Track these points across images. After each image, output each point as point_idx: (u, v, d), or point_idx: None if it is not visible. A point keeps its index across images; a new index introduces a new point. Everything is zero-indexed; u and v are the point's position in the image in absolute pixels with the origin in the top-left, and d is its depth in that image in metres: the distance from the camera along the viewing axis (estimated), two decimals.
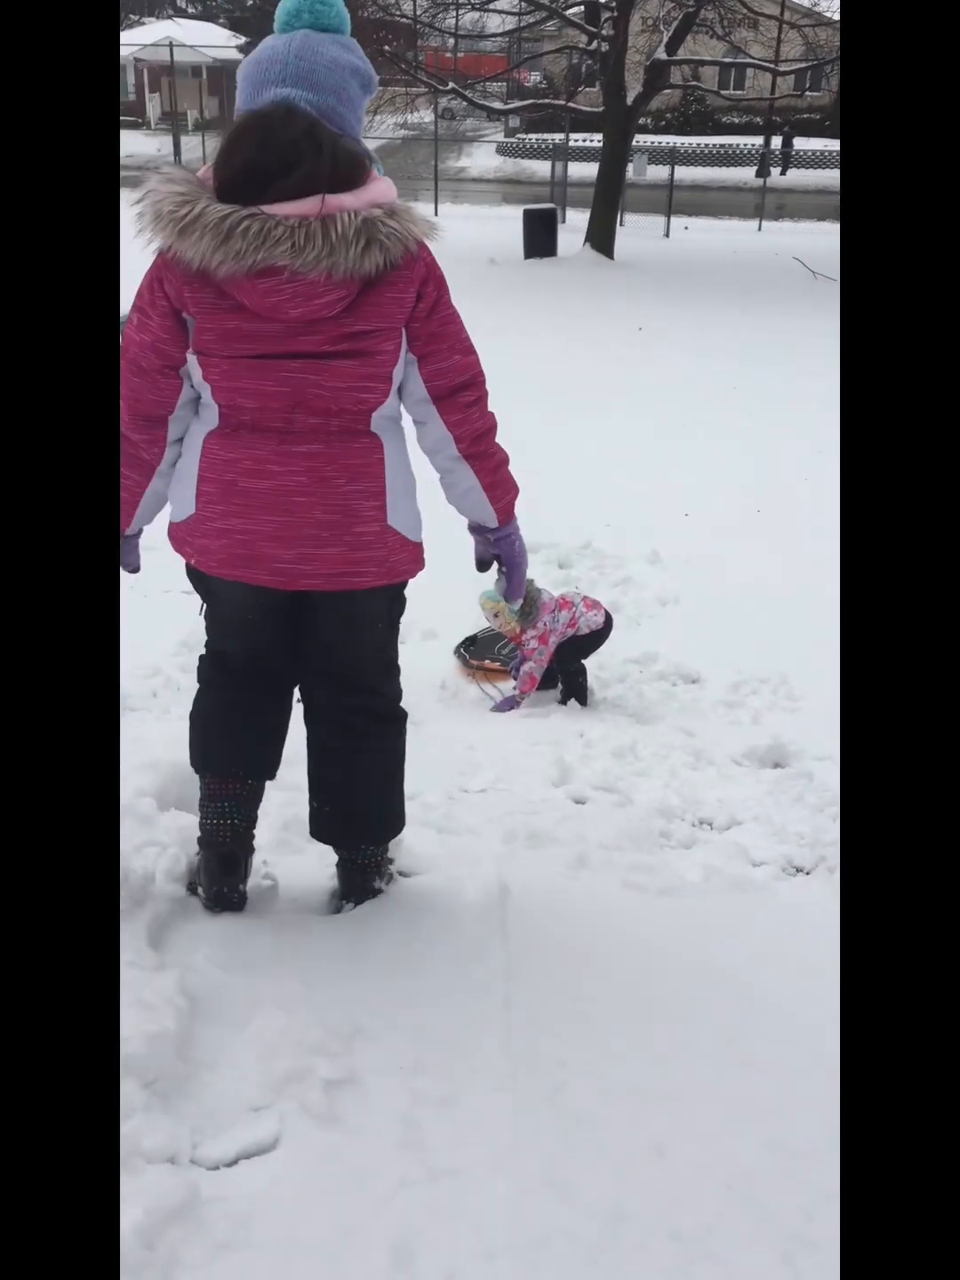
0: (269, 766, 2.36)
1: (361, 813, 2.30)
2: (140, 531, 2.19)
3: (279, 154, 1.80)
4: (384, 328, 1.90)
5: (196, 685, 2.36)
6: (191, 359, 1.93)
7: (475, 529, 2.17)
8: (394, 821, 2.36)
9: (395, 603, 2.19)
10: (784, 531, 6.52)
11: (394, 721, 2.31)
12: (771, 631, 5.12)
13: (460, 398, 2.01)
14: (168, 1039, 1.84)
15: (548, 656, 4.33)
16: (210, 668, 2.32)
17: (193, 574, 2.15)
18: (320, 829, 2.34)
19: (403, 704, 2.34)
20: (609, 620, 4.52)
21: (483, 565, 2.22)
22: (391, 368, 1.95)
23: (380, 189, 1.89)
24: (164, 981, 1.93)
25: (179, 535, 2.08)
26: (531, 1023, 2.03)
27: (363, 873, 2.35)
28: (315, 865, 2.47)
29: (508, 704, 4.40)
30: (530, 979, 2.13)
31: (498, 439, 2.10)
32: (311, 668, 2.24)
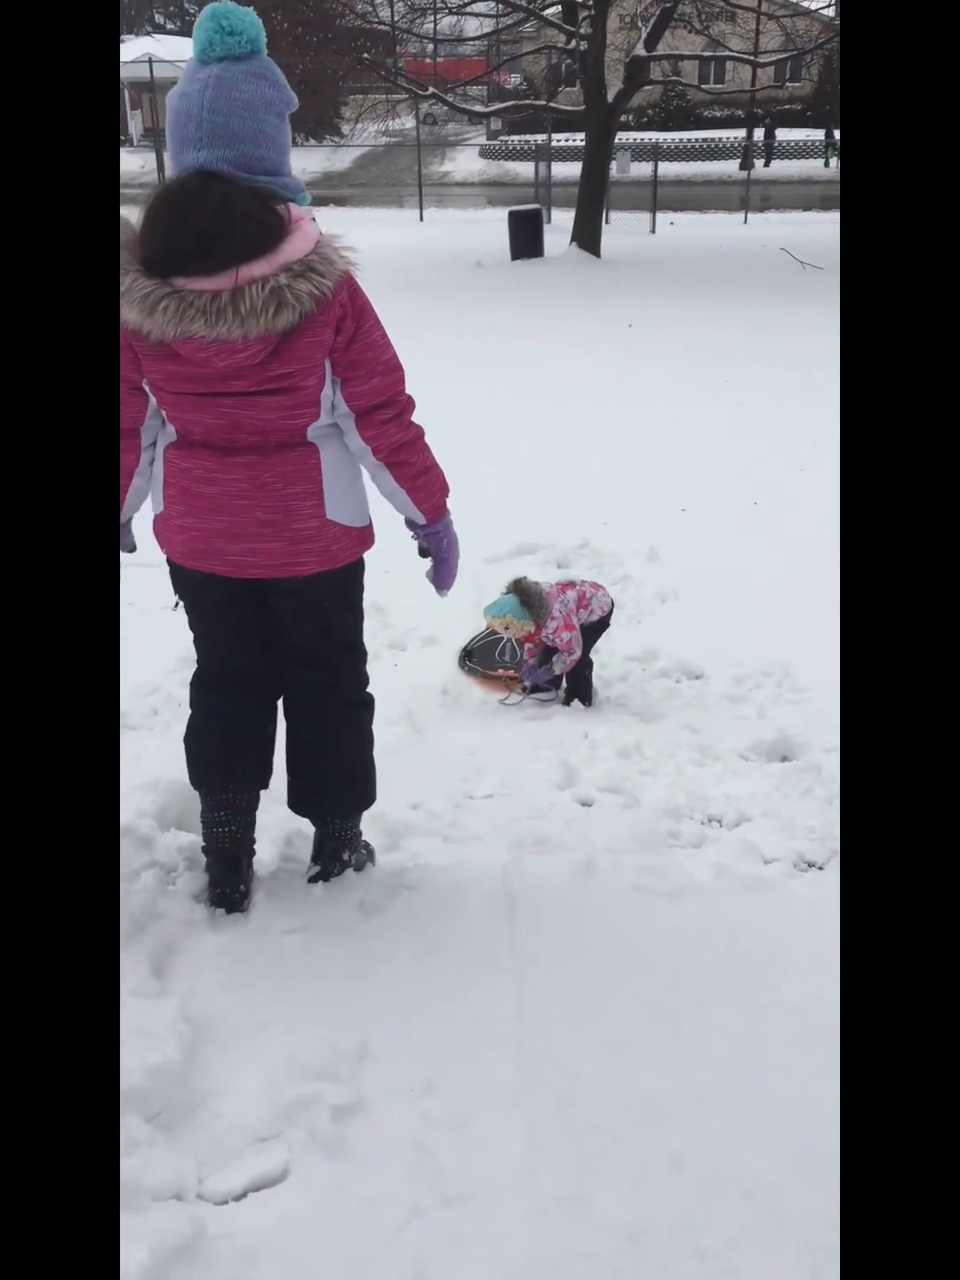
0: (259, 778, 2.56)
1: (331, 791, 2.55)
2: (130, 519, 2.44)
3: (193, 238, 1.96)
4: (305, 367, 2.10)
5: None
6: (147, 387, 2.19)
7: (408, 524, 2.41)
8: (362, 798, 2.59)
9: (345, 585, 2.40)
10: (781, 523, 6.46)
11: (358, 706, 2.55)
12: (773, 624, 5.07)
13: (377, 416, 2.20)
14: (171, 1069, 1.80)
15: (580, 640, 4.25)
16: (195, 681, 2.57)
17: (170, 568, 2.40)
18: (295, 803, 2.59)
19: (369, 690, 2.57)
20: (612, 601, 4.49)
21: (423, 553, 2.44)
22: (318, 394, 2.16)
23: (295, 246, 2.03)
24: (165, 1008, 1.89)
25: (156, 527, 2.35)
26: (542, 1035, 1.98)
27: (334, 844, 2.58)
28: (310, 891, 2.43)
29: (544, 673, 4.31)
30: (540, 990, 2.08)
31: (421, 447, 2.29)
32: (282, 655, 2.47)
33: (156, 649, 4.58)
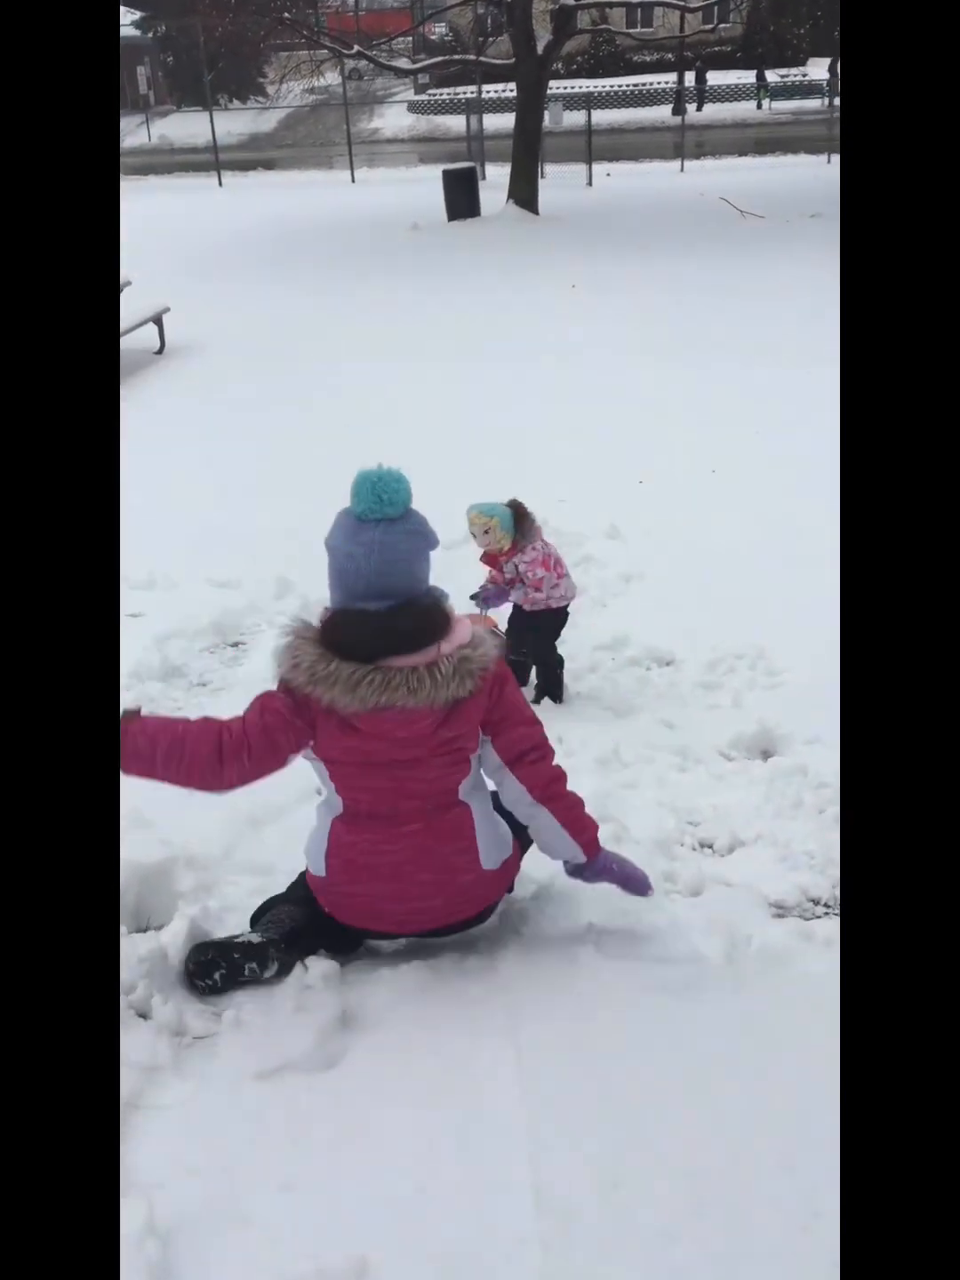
0: None
1: None
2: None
3: (397, 639, 2.31)
4: (467, 731, 2.42)
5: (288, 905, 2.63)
6: (319, 763, 2.44)
7: (572, 871, 2.57)
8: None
9: (496, 905, 2.66)
10: (741, 489, 6.35)
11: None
12: (741, 600, 4.96)
13: (527, 758, 2.47)
14: None
15: (550, 584, 4.07)
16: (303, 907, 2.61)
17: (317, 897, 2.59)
18: None
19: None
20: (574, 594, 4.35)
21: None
22: (471, 754, 2.46)
23: (461, 632, 2.40)
24: (133, 1217, 1.62)
25: (316, 885, 2.55)
26: (568, 1230, 1.71)
27: None
28: (284, 1003, 2.24)
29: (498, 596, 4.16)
30: (559, 1157, 1.81)
31: (566, 783, 2.52)
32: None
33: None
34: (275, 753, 2.36)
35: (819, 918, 2.73)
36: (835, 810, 3.08)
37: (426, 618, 2.35)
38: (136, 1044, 1.99)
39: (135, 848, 2.40)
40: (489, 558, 4.14)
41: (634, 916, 2.45)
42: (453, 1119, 1.87)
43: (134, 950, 2.20)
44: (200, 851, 2.78)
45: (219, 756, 2.32)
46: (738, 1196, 1.75)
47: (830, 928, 2.53)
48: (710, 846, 3.09)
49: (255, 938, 2.40)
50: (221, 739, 2.33)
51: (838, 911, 2.74)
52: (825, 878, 2.83)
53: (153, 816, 2.72)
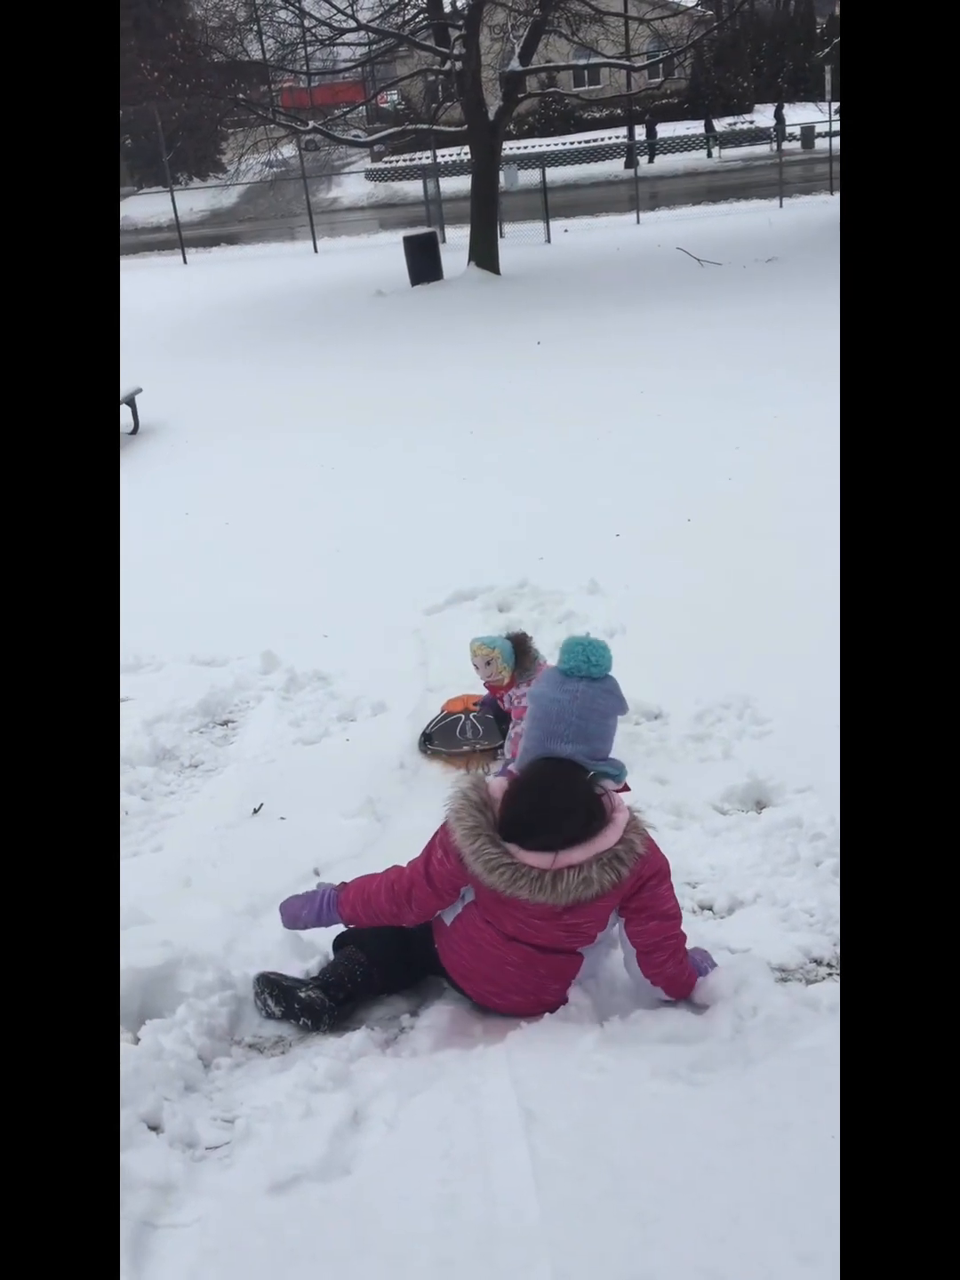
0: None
1: None
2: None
3: (538, 817, 2.55)
4: (593, 920, 2.61)
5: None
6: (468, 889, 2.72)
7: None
8: None
9: None
10: (717, 538, 6.40)
11: None
12: (724, 649, 4.99)
13: (654, 956, 2.64)
14: None
15: None
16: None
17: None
18: None
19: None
20: None
21: None
22: (596, 933, 2.64)
23: (608, 836, 2.54)
24: None
25: (441, 929, 2.80)
26: None
27: None
28: (292, 1108, 2.20)
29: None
30: (579, 1262, 1.76)
31: (687, 966, 2.66)
32: None
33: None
34: (438, 896, 2.69)
35: (821, 980, 2.73)
36: (831, 863, 3.10)
37: (580, 805, 2.54)
38: (149, 1160, 1.96)
39: (136, 951, 2.38)
40: (493, 685, 4.17)
41: (637, 994, 2.44)
42: (471, 1225, 1.84)
43: (142, 1057, 2.16)
44: (201, 949, 2.76)
45: (396, 905, 2.70)
46: None
47: (833, 991, 2.53)
48: (710, 909, 3.10)
49: (316, 996, 2.69)
50: (394, 889, 2.71)
51: (839, 972, 2.75)
52: (826, 936, 2.85)
53: (152, 913, 2.70)
